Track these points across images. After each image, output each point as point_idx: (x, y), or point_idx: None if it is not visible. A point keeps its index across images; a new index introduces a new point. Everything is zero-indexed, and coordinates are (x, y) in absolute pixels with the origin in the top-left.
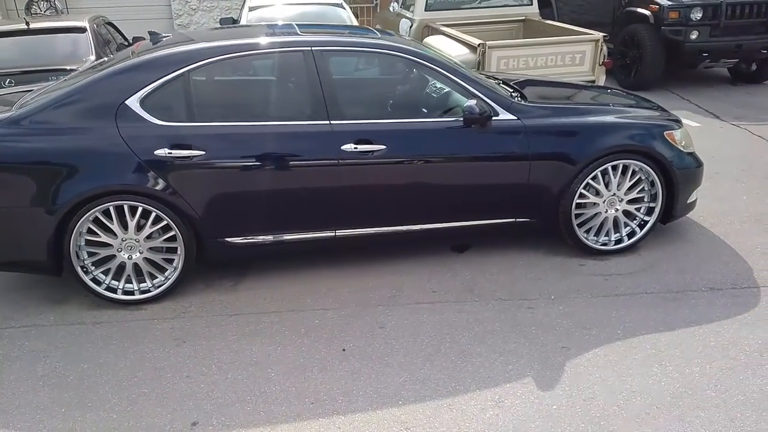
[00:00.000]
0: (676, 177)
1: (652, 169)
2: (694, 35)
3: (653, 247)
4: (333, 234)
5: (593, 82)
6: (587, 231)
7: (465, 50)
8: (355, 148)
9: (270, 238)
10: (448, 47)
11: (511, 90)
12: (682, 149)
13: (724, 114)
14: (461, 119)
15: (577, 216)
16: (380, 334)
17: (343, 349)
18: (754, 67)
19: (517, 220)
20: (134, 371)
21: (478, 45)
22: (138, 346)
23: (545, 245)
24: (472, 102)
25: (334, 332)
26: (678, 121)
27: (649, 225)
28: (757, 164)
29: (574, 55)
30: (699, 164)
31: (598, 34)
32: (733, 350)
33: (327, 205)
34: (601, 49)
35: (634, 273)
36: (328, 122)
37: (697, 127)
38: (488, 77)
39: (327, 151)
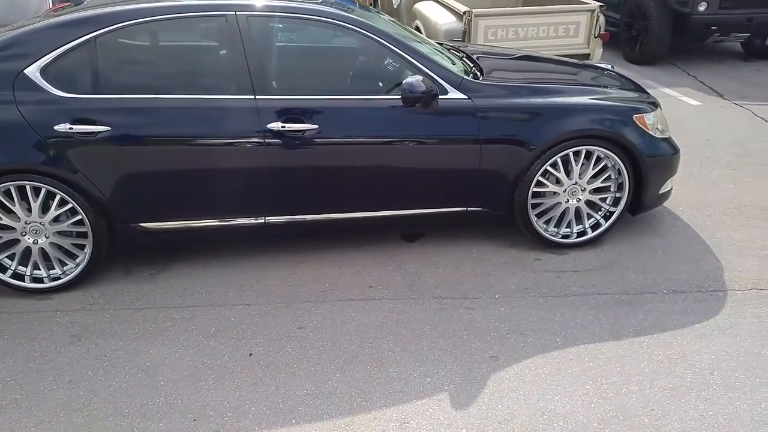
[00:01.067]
0: (646, 165)
1: (618, 156)
2: (702, 7)
3: (619, 241)
4: (263, 221)
5: (588, 55)
6: (547, 222)
7: (452, 18)
8: (282, 127)
9: (190, 223)
10: (437, 14)
11: (471, 66)
12: (653, 134)
13: (728, 92)
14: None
15: (536, 206)
16: (297, 336)
17: (250, 354)
18: None
19: (469, 209)
20: (15, 372)
21: (464, 13)
22: (30, 342)
23: (503, 237)
24: (413, 79)
25: (246, 333)
26: (654, 104)
27: (614, 217)
28: (752, 149)
29: (568, 27)
30: (674, 151)
31: (595, 4)
32: (681, 366)
33: (253, 189)
34: (597, 20)
35: (591, 270)
36: (252, 97)
37: (696, 106)
38: (455, 50)
39: (250, 129)
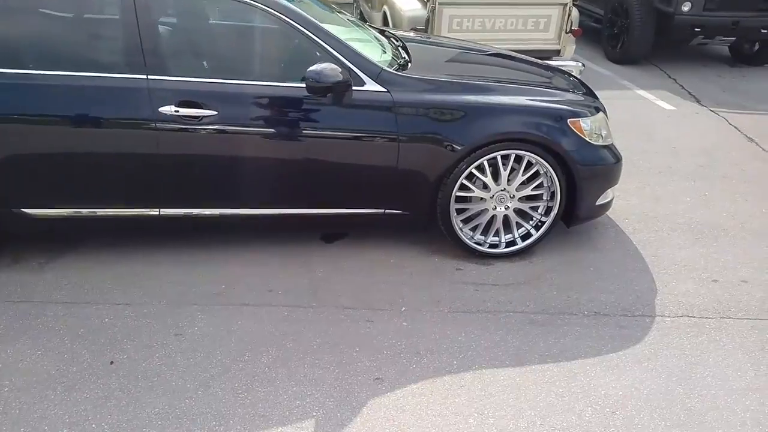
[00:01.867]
0: (579, 173)
1: (549, 162)
2: (686, 7)
3: (551, 254)
4: (157, 213)
5: (558, 52)
6: (474, 229)
7: (418, 5)
8: (176, 111)
9: (78, 212)
10: (403, 1)
11: (403, 57)
12: (590, 141)
13: (706, 98)
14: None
15: (461, 211)
16: (170, 343)
17: (111, 362)
18: (756, 47)
19: (387, 211)
20: None
21: (428, 0)
22: None
23: (428, 243)
24: (321, 66)
25: (116, 337)
26: (597, 108)
27: (545, 227)
28: (719, 160)
29: (538, 20)
30: (615, 159)
31: None
32: (582, 402)
33: (144, 178)
34: (569, 15)
35: (512, 285)
36: (144, 77)
37: (669, 111)
38: (394, 39)
39: (141, 112)
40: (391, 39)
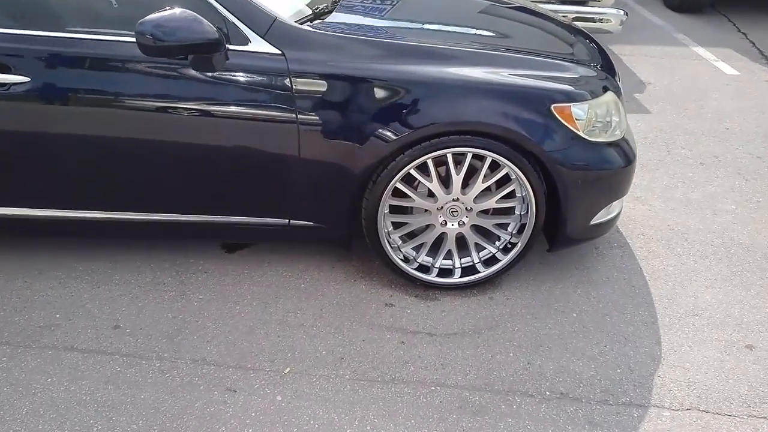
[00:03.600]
0: (565, 181)
1: (519, 166)
2: None
3: (523, 287)
4: None
5: None
6: (418, 248)
7: None
8: None
9: None
10: None
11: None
12: (584, 135)
13: None
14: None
15: (398, 226)
16: None
17: None
18: None
19: (293, 222)
20: None
21: None
22: None
23: (362, 261)
24: (161, 16)
25: None
26: (604, 88)
27: (515, 251)
28: None
29: None
30: (625, 161)
31: None
32: None
33: None
34: None
35: (456, 336)
36: None
37: (730, 77)
38: None
39: None
40: None
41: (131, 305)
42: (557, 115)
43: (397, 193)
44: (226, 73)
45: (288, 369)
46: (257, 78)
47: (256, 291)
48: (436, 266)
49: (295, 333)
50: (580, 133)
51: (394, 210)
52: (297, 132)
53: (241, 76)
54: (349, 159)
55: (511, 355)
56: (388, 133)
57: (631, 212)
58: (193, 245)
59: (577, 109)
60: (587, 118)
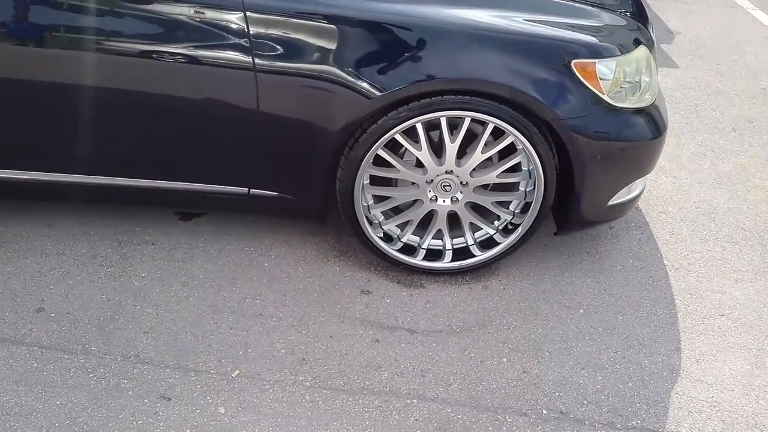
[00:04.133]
0: (581, 154)
1: (526, 134)
2: None
3: (522, 274)
4: None
5: None
6: (403, 226)
7: None
8: None
9: None
10: None
11: None
12: (609, 99)
13: None
14: None
15: (380, 199)
16: None
17: None
18: None
19: (254, 191)
20: None
21: None
22: None
23: (339, 233)
24: None
25: None
26: (635, 41)
27: (517, 233)
28: None
29: None
30: (654, 132)
31: None
32: None
33: None
34: None
35: (441, 335)
36: None
37: None
38: None
39: None
40: None
41: (61, 282)
42: (578, 73)
43: (380, 162)
44: (167, 4)
45: (237, 372)
46: (206, 12)
47: (209, 270)
48: (423, 247)
49: (250, 325)
50: (604, 97)
51: (375, 181)
52: (254, 80)
53: (185, 8)
54: (320, 117)
55: (505, 360)
56: (370, 88)
57: (654, 185)
58: (141, 209)
59: (603, 67)
60: (614, 77)
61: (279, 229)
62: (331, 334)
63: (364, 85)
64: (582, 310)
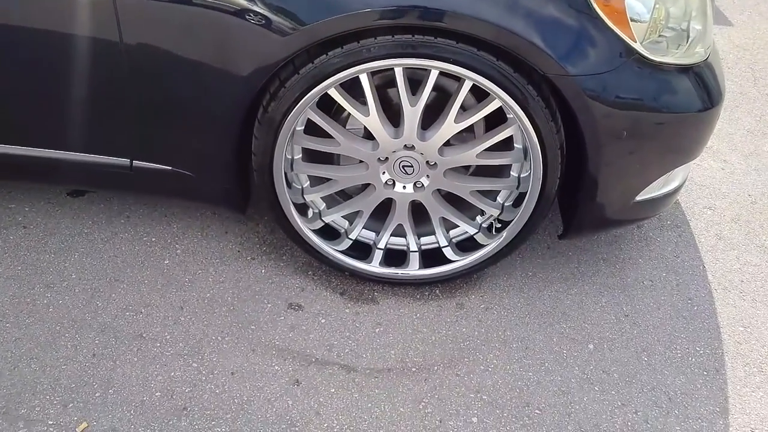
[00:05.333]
0: (598, 127)
1: (518, 97)
2: None
3: (519, 291)
4: None
5: None
6: (351, 217)
7: None
8: None
9: None
10: None
11: None
12: (642, 50)
13: None
14: None
15: (317, 181)
16: None
17: None
18: None
19: (137, 163)
20: None
21: None
22: None
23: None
24: None
25: None
26: None
27: (506, 234)
28: None
29: None
30: (707, 102)
31: None
32: None
33: None
34: None
35: (382, 376)
36: None
37: None
38: None
39: None
40: None
41: None
42: (598, 9)
43: (314, 130)
44: None
45: (83, 426)
46: None
47: (87, 267)
48: (380, 246)
49: (122, 351)
50: (636, 46)
51: (313, 157)
52: (113, 6)
53: None
54: (217, 60)
55: (474, 421)
56: (283, 21)
57: (697, 171)
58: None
59: (636, 2)
60: (652, 18)
61: (196, 213)
62: (234, 369)
63: (274, 15)
64: (592, 346)
